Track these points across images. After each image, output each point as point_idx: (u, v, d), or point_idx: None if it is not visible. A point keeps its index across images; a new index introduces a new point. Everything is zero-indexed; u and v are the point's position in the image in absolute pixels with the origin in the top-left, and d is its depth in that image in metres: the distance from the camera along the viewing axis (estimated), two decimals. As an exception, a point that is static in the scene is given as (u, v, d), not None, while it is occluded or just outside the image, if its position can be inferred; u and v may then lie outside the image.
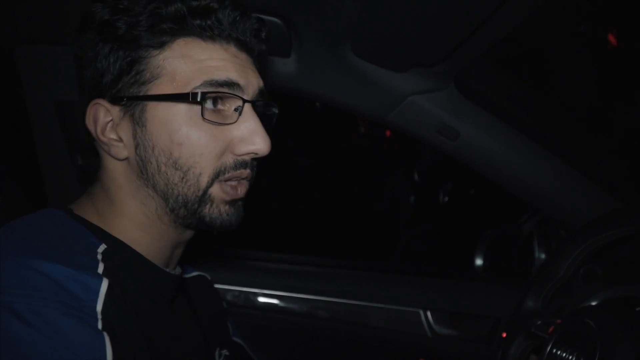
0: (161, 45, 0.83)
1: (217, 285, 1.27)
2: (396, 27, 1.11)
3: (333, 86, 1.36)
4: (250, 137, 0.86)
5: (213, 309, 1.20)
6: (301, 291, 1.82)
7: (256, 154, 0.88)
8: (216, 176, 0.86)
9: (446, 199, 3.24)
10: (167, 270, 0.94)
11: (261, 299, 1.83)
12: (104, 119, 0.85)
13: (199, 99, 0.81)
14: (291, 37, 1.28)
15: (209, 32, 0.85)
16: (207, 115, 0.83)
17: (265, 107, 0.96)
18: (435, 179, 3.36)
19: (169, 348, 0.89)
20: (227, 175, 0.87)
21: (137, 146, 0.85)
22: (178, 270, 1.00)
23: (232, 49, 0.88)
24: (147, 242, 0.90)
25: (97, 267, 0.75)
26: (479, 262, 1.79)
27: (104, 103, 0.84)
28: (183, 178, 0.84)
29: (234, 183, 0.89)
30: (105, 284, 0.72)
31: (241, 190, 0.90)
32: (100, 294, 0.71)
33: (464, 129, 1.38)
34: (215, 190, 0.87)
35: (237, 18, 0.86)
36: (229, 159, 0.87)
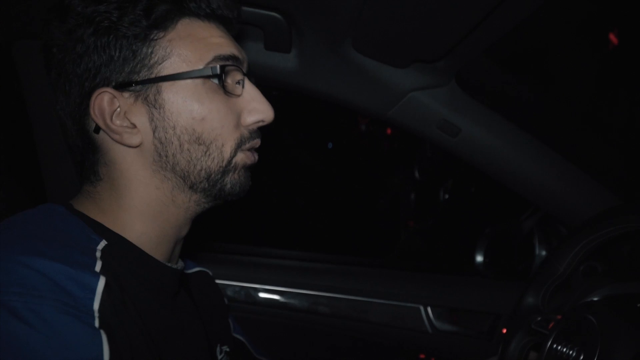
0: (165, 28, 0.84)
1: (218, 281, 1.27)
2: (397, 22, 1.11)
3: (333, 82, 1.36)
4: (256, 106, 0.92)
5: (214, 305, 1.20)
6: (302, 287, 1.82)
7: (263, 121, 0.93)
8: (238, 146, 0.90)
9: (447, 196, 3.24)
10: (169, 264, 0.94)
11: (262, 295, 1.83)
12: (110, 107, 0.84)
13: (218, 72, 0.85)
14: (292, 32, 1.27)
15: (203, 12, 0.88)
16: (227, 88, 0.88)
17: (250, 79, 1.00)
18: (436, 176, 3.35)
19: (171, 343, 0.89)
20: (247, 145, 0.92)
21: (155, 129, 0.85)
22: (180, 265, 1.00)
23: (222, 27, 0.93)
24: (152, 236, 0.90)
25: (94, 265, 0.75)
26: (479, 258, 1.79)
27: (109, 91, 0.83)
28: (206, 152, 0.87)
29: (251, 151, 0.94)
30: (102, 282, 0.72)
31: (256, 157, 0.96)
32: (97, 292, 0.71)
33: (464, 125, 1.38)
34: (240, 158, 0.91)
35: None
36: (244, 131, 0.91)
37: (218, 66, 0.85)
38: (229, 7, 0.92)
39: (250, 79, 0.95)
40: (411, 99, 1.36)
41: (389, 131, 4.67)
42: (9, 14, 1.25)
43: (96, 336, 0.66)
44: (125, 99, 0.84)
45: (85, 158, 0.92)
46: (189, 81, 0.85)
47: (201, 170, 0.88)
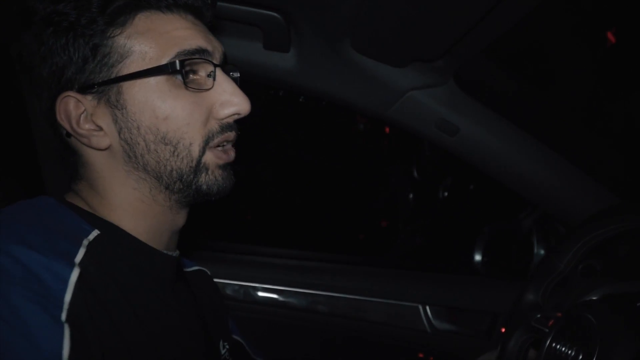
0: (122, 24, 0.80)
1: (216, 280, 1.27)
2: (396, 22, 1.11)
3: (332, 81, 1.36)
4: (229, 98, 0.86)
5: (214, 303, 1.20)
6: (300, 286, 1.82)
7: (239, 114, 0.88)
8: (206, 143, 0.86)
9: (445, 194, 3.24)
10: (165, 252, 0.93)
11: (261, 294, 1.83)
12: (76, 111, 0.82)
13: (178, 68, 0.81)
14: (290, 31, 1.27)
15: (165, 3, 0.83)
16: (189, 84, 0.83)
17: (228, 72, 0.95)
18: (435, 175, 3.36)
19: (169, 334, 0.88)
20: (215, 141, 0.87)
21: (120, 130, 0.83)
22: (176, 253, 0.99)
23: (190, 17, 0.87)
24: (145, 229, 0.89)
25: (75, 255, 0.74)
26: (478, 257, 1.79)
27: (73, 95, 0.81)
28: (174, 152, 0.84)
29: (225, 147, 0.90)
30: (75, 273, 0.71)
31: (231, 154, 0.91)
32: (69, 283, 0.69)
33: (463, 124, 1.38)
34: (209, 157, 0.87)
35: None
36: (214, 125, 0.87)
37: (177, 62, 0.80)
38: None
39: (227, 70, 0.91)
40: (410, 98, 1.36)
41: (387, 130, 4.67)
42: (8, 14, 1.25)
43: (58, 329, 0.65)
44: (89, 102, 0.82)
45: (66, 159, 0.91)
46: (150, 79, 0.81)
47: (172, 170, 0.85)
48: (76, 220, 0.82)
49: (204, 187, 0.87)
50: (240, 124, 0.92)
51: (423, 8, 1.02)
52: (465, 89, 1.37)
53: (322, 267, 1.90)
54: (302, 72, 1.35)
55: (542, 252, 1.69)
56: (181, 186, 0.86)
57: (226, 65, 0.93)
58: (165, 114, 0.82)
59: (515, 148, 1.41)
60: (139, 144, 0.83)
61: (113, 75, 0.81)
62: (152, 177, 0.86)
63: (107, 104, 0.82)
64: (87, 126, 0.83)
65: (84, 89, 0.81)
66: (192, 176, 0.86)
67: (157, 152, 0.83)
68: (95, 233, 0.80)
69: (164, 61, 0.81)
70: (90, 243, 0.78)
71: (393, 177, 4.20)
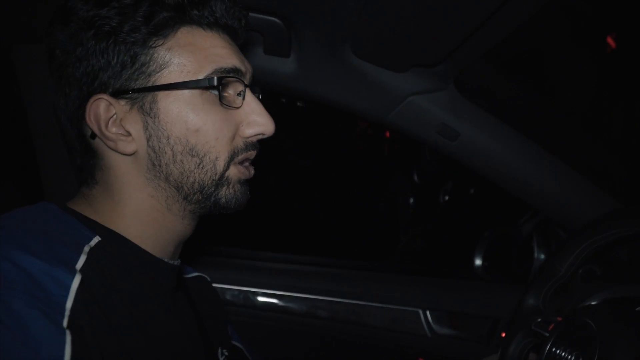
0: (165, 36, 0.82)
1: (216, 285, 1.27)
2: (396, 27, 1.11)
3: (333, 86, 1.36)
4: (256, 119, 0.90)
5: (213, 309, 1.20)
6: (301, 291, 1.82)
7: (263, 134, 0.92)
8: (231, 159, 0.89)
9: (446, 198, 3.24)
10: (166, 260, 0.93)
11: (260, 299, 1.83)
12: (106, 114, 0.83)
13: (215, 84, 0.83)
14: (291, 37, 1.27)
15: (206, 21, 0.86)
16: (223, 100, 0.86)
17: (253, 91, 0.98)
18: (435, 180, 3.36)
19: (168, 341, 0.88)
20: (240, 158, 0.90)
21: (149, 138, 0.84)
22: (177, 262, 0.99)
23: (226, 36, 0.90)
24: (151, 238, 0.89)
25: (76, 261, 0.74)
26: (478, 262, 1.79)
27: (106, 98, 0.83)
28: (200, 164, 0.86)
29: (246, 164, 0.93)
30: (77, 280, 0.71)
31: (252, 171, 0.94)
32: (71, 290, 0.70)
33: (463, 129, 1.38)
34: (233, 172, 0.90)
35: (229, 7, 0.89)
36: (240, 142, 0.90)
37: (215, 78, 0.83)
38: (234, 17, 0.90)
39: (254, 90, 0.94)
40: (410, 103, 1.36)
41: (387, 134, 4.67)
42: (8, 18, 1.26)
43: (60, 335, 0.65)
44: (121, 107, 0.84)
45: (83, 161, 0.91)
46: (185, 91, 0.84)
47: (194, 182, 0.87)
48: (77, 227, 0.82)
49: (223, 200, 0.90)
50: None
51: (423, 13, 1.02)
52: (466, 94, 1.37)
53: (323, 272, 1.90)
54: (302, 77, 1.35)
55: (543, 256, 1.68)
56: (200, 198, 0.89)
57: (254, 87, 0.96)
58: (196, 126, 0.84)
59: (515, 153, 1.41)
60: (166, 153, 0.85)
61: (150, 84, 0.83)
62: (172, 186, 0.87)
63: (140, 110, 0.84)
64: (115, 130, 0.84)
65: (117, 94, 0.83)
66: (213, 189, 0.88)
67: (182, 162, 0.85)
68: (96, 239, 0.81)
69: (201, 76, 0.84)
70: (92, 249, 0.78)
71: (394, 181, 4.20)
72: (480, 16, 1.02)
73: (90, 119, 0.84)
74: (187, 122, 0.84)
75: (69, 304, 0.68)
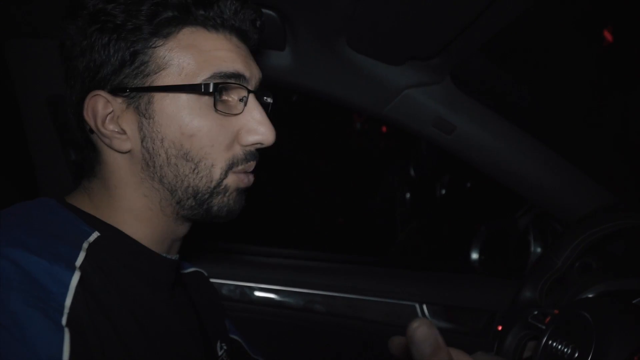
0: (166, 36, 0.81)
1: (213, 280, 1.27)
2: (392, 20, 1.11)
3: (328, 79, 1.35)
4: (256, 127, 0.87)
5: (211, 304, 1.20)
6: (297, 285, 1.82)
7: (262, 143, 0.89)
8: (230, 168, 0.87)
9: (443, 192, 3.24)
10: (165, 255, 0.93)
11: (257, 293, 1.83)
12: (104, 110, 0.83)
13: (211, 90, 0.81)
14: (286, 29, 1.27)
15: (212, 22, 0.84)
16: (219, 107, 0.83)
17: (262, 96, 0.96)
18: (431, 174, 3.36)
19: (167, 336, 0.88)
20: (239, 168, 0.88)
21: (143, 138, 0.83)
22: (176, 256, 0.99)
23: (234, 39, 0.87)
24: (147, 235, 0.89)
25: (75, 258, 0.74)
26: (475, 256, 1.79)
27: (104, 94, 0.82)
28: (195, 169, 0.84)
29: (247, 172, 0.91)
30: (76, 277, 0.71)
31: (251, 179, 0.92)
32: (70, 287, 0.69)
33: (459, 122, 1.38)
34: (231, 180, 0.88)
35: (238, 8, 0.86)
36: (239, 151, 0.88)
37: (212, 84, 0.81)
38: (244, 18, 0.87)
39: (264, 96, 0.92)
40: (406, 97, 1.35)
41: (384, 129, 4.67)
42: (1, 13, 1.25)
43: (59, 334, 0.64)
44: (118, 104, 0.83)
45: (85, 154, 0.91)
46: (182, 95, 0.82)
47: (188, 187, 0.85)
48: (76, 222, 0.82)
49: (215, 208, 0.88)
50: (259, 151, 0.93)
51: (419, 5, 1.02)
52: (462, 87, 1.37)
53: (319, 267, 1.90)
54: (297, 70, 1.35)
55: (539, 250, 1.69)
56: (193, 203, 0.87)
57: (262, 91, 0.93)
58: (191, 131, 0.83)
59: (511, 146, 1.41)
60: (160, 155, 0.84)
61: (147, 84, 0.81)
62: (166, 189, 0.86)
63: (136, 110, 0.83)
64: (111, 127, 0.83)
65: (115, 91, 0.82)
66: (207, 196, 0.87)
67: (177, 166, 0.84)
68: (95, 235, 0.80)
69: (198, 80, 0.82)
70: (90, 245, 0.78)
71: (390, 175, 4.20)
72: (475, 9, 1.01)
73: (88, 114, 0.83)
74: (182, 127, 0.82)
75: (68, 301, 0.68)
